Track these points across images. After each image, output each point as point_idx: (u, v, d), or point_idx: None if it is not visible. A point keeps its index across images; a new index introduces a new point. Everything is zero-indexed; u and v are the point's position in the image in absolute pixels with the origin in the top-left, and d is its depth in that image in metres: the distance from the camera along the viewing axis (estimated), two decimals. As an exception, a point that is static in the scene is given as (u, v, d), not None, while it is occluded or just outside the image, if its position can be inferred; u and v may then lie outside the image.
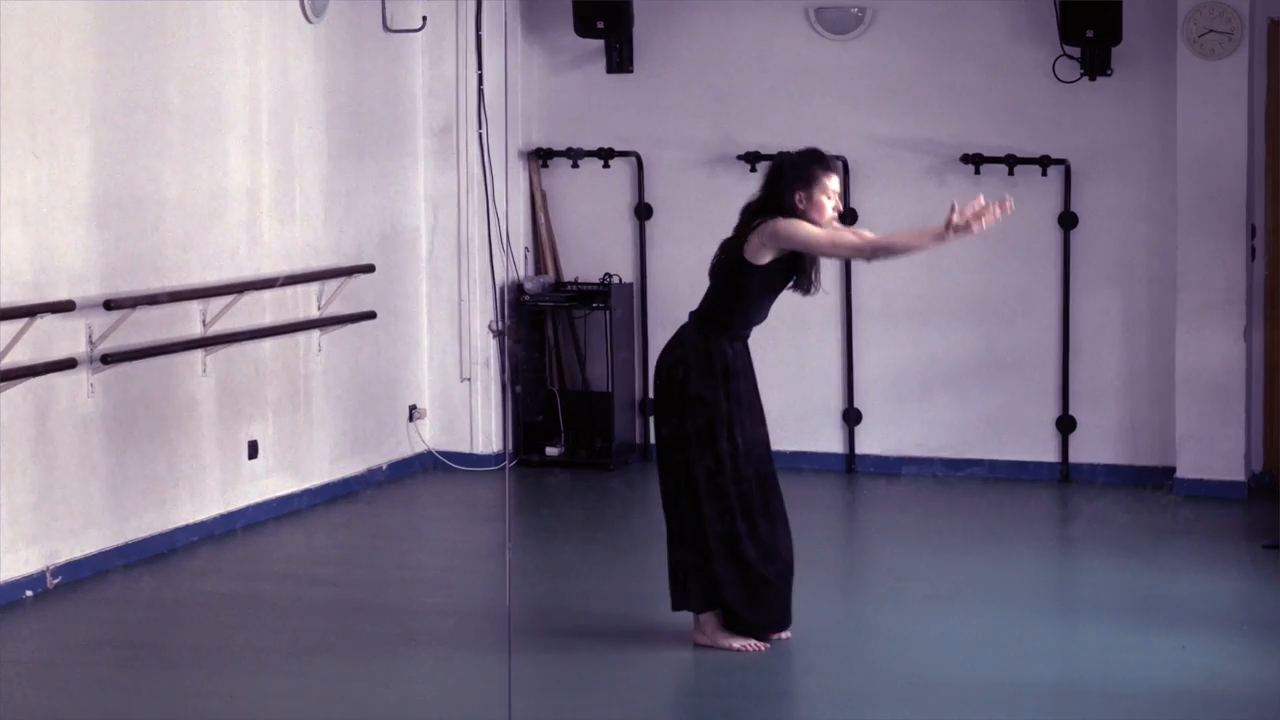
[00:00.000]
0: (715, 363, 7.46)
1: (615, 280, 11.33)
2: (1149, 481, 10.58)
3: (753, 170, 11.00)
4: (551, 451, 11.31)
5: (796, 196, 7.41)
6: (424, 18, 10.91)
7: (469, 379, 11.25)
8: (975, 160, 10.77)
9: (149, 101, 9.03)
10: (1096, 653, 7.57)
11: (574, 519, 10.26)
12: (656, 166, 11.38)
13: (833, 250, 7.52)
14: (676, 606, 7.60)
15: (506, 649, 6.98)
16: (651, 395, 8.02)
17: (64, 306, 8.42)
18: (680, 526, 7.52)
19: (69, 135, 8.54)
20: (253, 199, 9.74)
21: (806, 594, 8.05)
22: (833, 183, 7.47)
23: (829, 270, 10.95)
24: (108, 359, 8.69)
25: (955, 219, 7.28)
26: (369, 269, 10.61)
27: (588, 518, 10.32)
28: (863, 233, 7.64)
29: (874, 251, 7.54)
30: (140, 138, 8.98)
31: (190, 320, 9.31)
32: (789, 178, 7.45)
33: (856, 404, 11.15)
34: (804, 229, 7.37)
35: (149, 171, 9.03)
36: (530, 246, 11.53)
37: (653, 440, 11.15)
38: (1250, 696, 7.06)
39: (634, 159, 11.39)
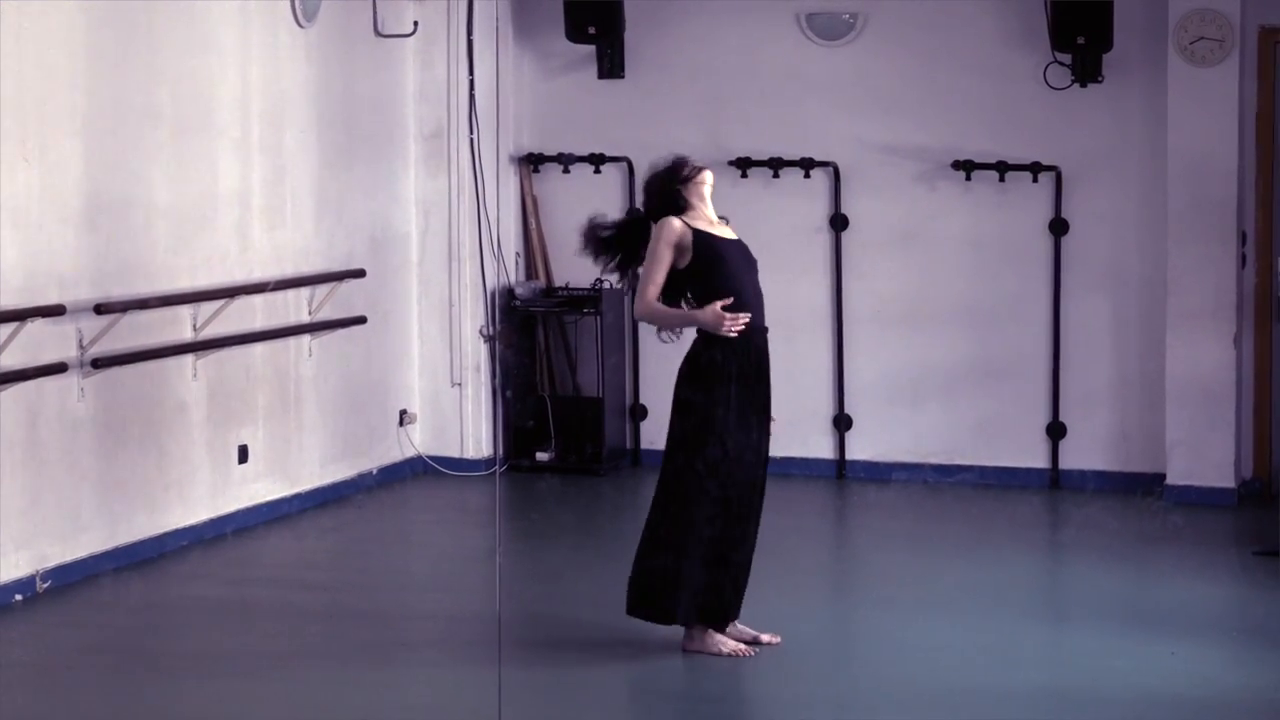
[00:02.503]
0: (703, 366, 7.46)
1: (606, 286, 11.32)
2: (1139, 488, 10.58)
3: (744, 176, 11.02)
4: (542, 456, 11.31)
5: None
6: (415, 22, 10.90)
7: (459, 384, 11.24)
8: (966, 166, 10.77)
9: (139, 106, 9.03)
10: (1087, 659, 7.57)
11: (564, 524, 10.25)
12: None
13: (644, 281, 7.55)
14: (634, 612, 7.61)
15: (497, 654, 6.97)
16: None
17: (54, 310, 8.41)
18: (668, 532, 7.51)
19: (59, 139, 8.54)
20: (243, 203, 9.73)
21: (796, 599, 8.07)
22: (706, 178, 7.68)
23: (821, 274, 10.98)
24: (98, 363, 8.68)
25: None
26: (360, 274, 10.60)
27: (578, 523, 10.32)
28: (653, 305, 7.56)
29: (641, 314, 7.60)
30: (131, 142, 8.97)
31: (180, 325, 9.30)
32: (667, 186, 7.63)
33: (847, 409, 11.16)
34: (651, 254, 7.53)
35: (139, 176, 9.02)
36: (521, 252, 11.53)
37: (644, 446, 11.33)
38: (1240, 703, 7.07)
39: (625, 164, 11.39)
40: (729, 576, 7.52)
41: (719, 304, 7.41)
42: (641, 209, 7.79)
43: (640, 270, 7.60)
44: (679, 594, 7.48)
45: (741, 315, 7.41)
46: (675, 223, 7.53)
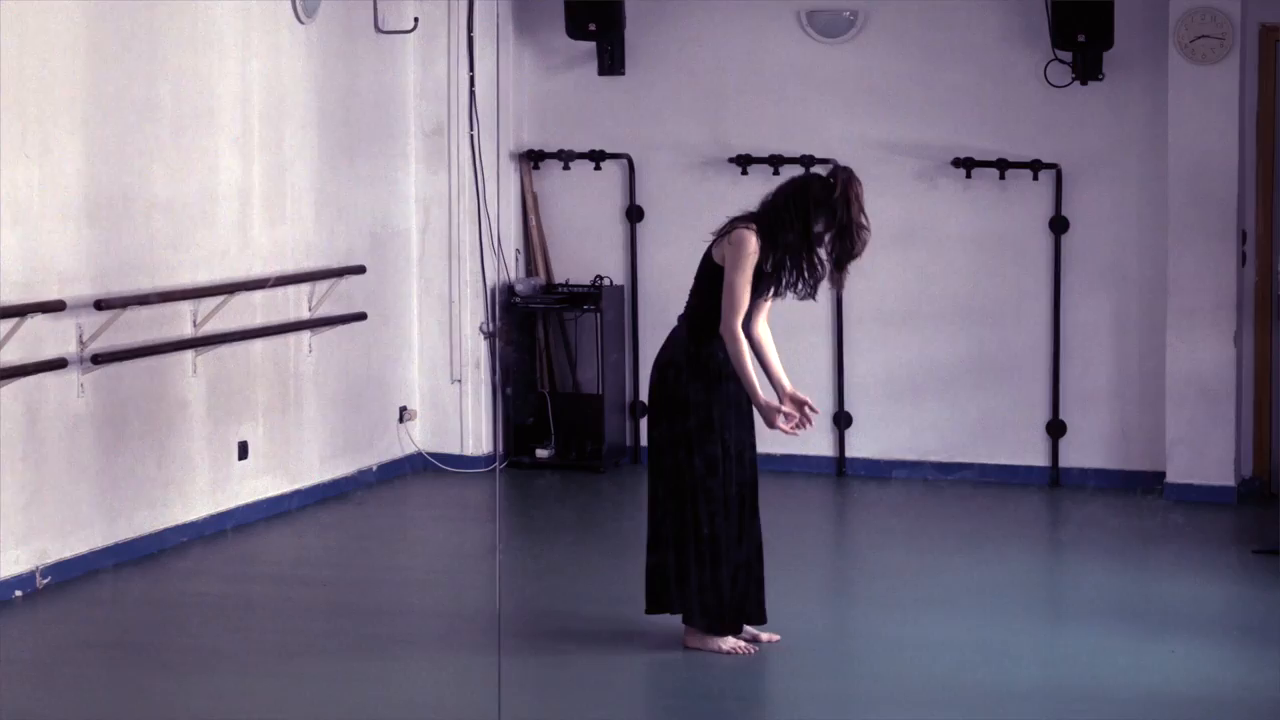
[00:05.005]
0: (706, 365, 7.46)
1: (606, 282, 11.32)
2: (1139, 486, 10.59)
3: (744, 173, 11.01)
4: (542, 454, 11.30)
5: (821, 223, 7.44)
6: (416, 19, 10.90)
7: (459, 380, 11.24)
8: (966, 164, 10.77)
9: (140, 101, 9.03)
10: (1086, 657, 7.57)
11: (564, 521, 10.25)
12: (648, 169, 11.37)
13: (728, 304, 7.35)
14: (651, 610, 7.60)
15: (496, 651, 6.97)
16: (644, 398, 7.99)
17: (54, 306, 8.41)
18: (669, 529, 7.51)
19: (60, 135, 8.54)
20: (244, 199, 9.73)
21: (796, 597, 8.06)
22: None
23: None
24: (98, 359, 8.68)
25: (782, 417, 7.44)
26: (360, 270, 10.60)
27: (578, 520, 10.32)
28: (738, 332, 7.39)
29: (732, 344, 7.39)
30: (131, 138, 8.97)
31: (181, 320, 9.30)
32: (818, 201, 7.45)
33: (847, 407, 11.15)
34: (738, 266, 7.33)
35: (140, 171, 9.02)
36: (521, 248, 11.53)
37: (644, 443, 11.30)
38: (1239, 701, 7.07)
39: (625, 161, 11.39)
40: (729, 575, 7.51)
41: (785, 408, 7.49)
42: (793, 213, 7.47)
43: (733, 284, 7.37)
44: (684, 589, 7.50)
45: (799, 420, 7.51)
46: (755, 241, 7.35)
